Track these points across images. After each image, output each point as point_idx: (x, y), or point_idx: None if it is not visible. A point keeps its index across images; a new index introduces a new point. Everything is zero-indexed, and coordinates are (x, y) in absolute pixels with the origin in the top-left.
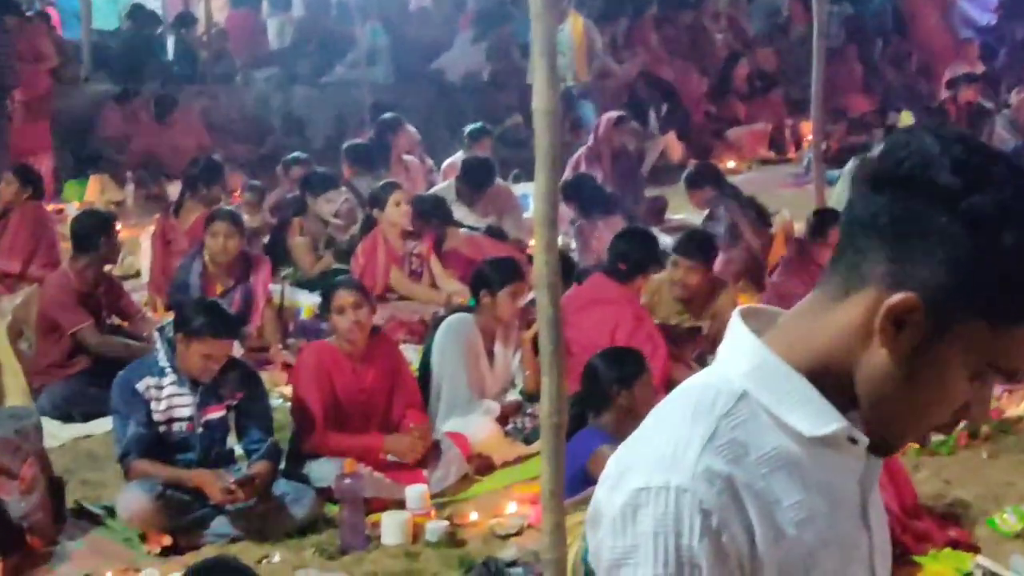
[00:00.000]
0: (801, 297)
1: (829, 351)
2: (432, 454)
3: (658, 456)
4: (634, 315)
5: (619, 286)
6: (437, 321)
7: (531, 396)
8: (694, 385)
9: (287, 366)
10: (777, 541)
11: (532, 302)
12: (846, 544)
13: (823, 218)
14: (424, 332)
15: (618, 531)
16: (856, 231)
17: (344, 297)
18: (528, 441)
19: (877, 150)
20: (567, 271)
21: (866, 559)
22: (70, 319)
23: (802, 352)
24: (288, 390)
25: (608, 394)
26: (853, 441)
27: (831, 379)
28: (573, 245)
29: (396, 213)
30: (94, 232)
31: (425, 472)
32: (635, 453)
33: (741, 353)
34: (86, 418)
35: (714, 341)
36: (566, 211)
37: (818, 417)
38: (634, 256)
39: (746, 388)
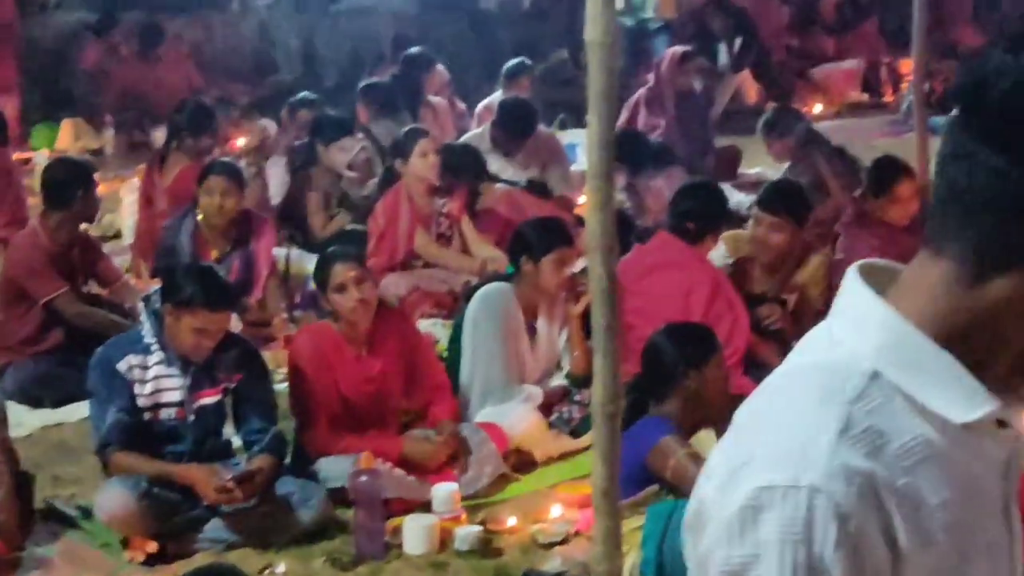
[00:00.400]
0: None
1: (972, 318)
2: (463, 448)
3: (782, 449)
4: (711, 280)
5: (689, 247)
6: (469, 292)
7: (580, 381)
8: (814, 364)
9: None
10: (924, 549)
11: (583, 271)
12: (993, 550)
13: (885, 171)
14: (454, 306)
15: (734, 537)
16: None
17: (343, 272)
18: (576, 434)
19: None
20: (624, 233)
21: (1007, 566)
22: (42, 286)
23: (939, 319)
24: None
25: (674, 377)
26: (1003, 425)
27: (971, 352)
28: (627, 205)
29: (422, 165)
30: (69, 184)
31: (455, 470)
32: (751, 445)
33: (868, 323)
34: (58, 403)
35: (801, 318)
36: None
37: (968, 399)
38: (703, 213)
39: (877, 367)
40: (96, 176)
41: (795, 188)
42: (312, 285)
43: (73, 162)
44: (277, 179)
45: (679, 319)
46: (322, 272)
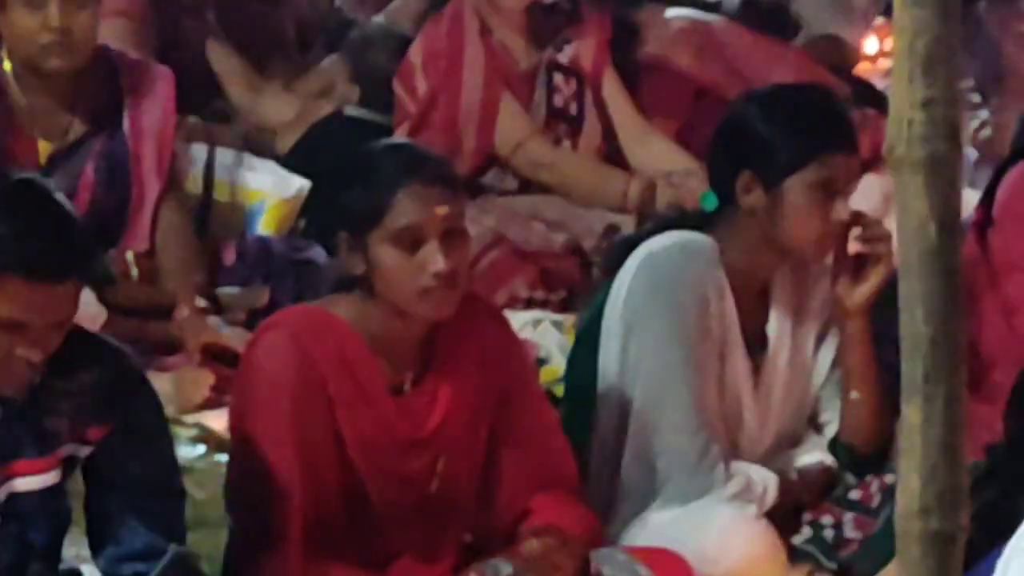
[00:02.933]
0: None
1: None
2: None
3: None
4: None
5: None
6: (617, 251)
7: (863, 457)
8: None
9: (216, 358)
10: None
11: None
12: None
13: None
14: (580, 282)
15: None
16: None
17: (427, 202)
18: (849, 573)
19: None
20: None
21: None
22: None
23: None
24: (219, 420)
25: None
26: None
27: None
28: None
29: None
30: None
31: None
32: None
33: None
34: None
35: None
36: None
37: None
38: None
39: None
40: None
41: None
42: (260, 225)
43: None
44: None
45: None
46: (364, 191)
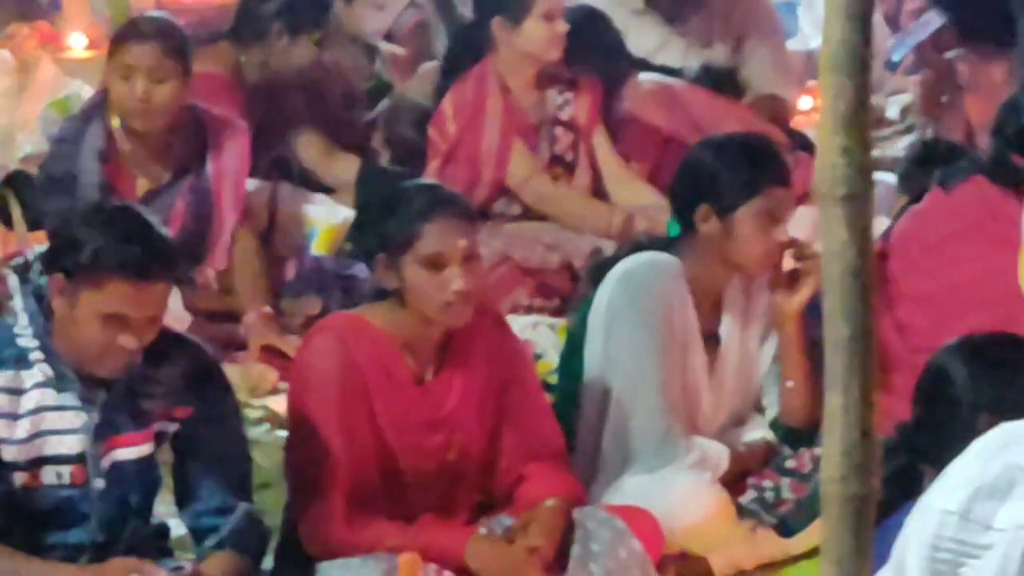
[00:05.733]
0: None
1: None
2: (582, 549)
3: None
4: None
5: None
6: (601, 269)
7: (797, 434)
8: None
9: (278, 355)
10: None
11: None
12: None
13: None
14: (571, 292)
15: None
16: None
17: (449, 234)
18: (787, 529)
19: None
20: (915, 169)
21: None
22: None
23: None
24: (279, 404)
25: (972, 427)
26: None
27: None
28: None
29: (543, 34)
30: None
31: None
32: None
33: None
34: None
35: None
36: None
37: None
38: None
39: None
40: None
41: None
42: (314, 247)
43: None
44: None
45: (994, 326)
46: (399, 222)
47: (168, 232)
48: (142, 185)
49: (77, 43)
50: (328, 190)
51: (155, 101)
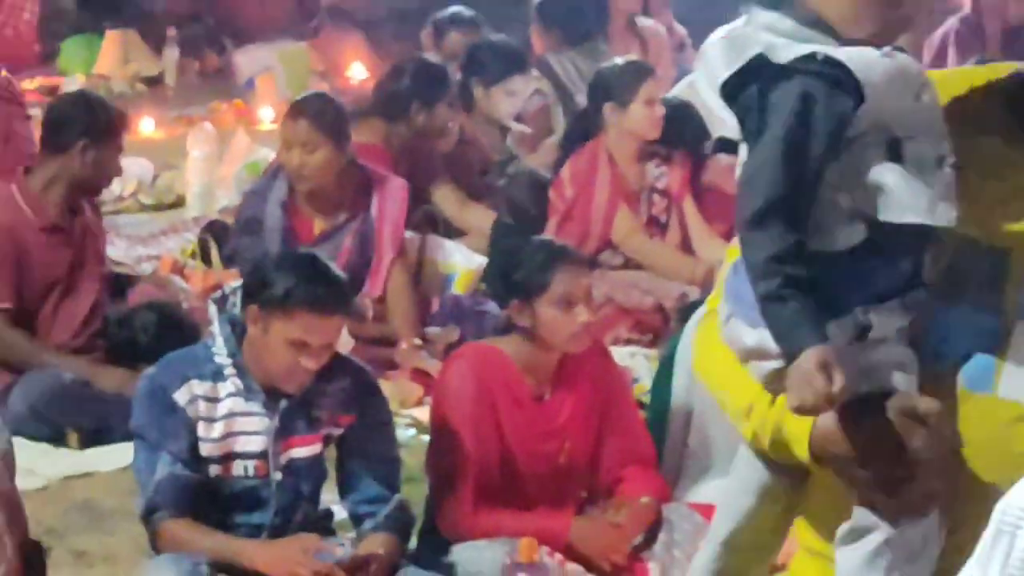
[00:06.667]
0: None
1: None
2: (667, 537)
3: None
4: None
5: None
6: (687, 309)
7: None
8: None
9: (422, 374)
10: None
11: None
12: None
13: None
14: (663, 329)
15: None
16: None
17: (576, 280)
18: None
19: None
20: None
21: None
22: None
23: None
24: (424, 414)
25: None
26: None
27: None
28: None
29: (646, 117)
30: (73, 123)
31: (652, 564)
32: None
33: None
34: (88, 440)
35: None
36: None
37: None
38: None
39: None
40: (143, 118)
41: None
42: (454, 287)
43: (84, 96)
44: None
45: None
46: (531, 271)
47: (343, 275)
48: (318, 226)
49: (266, 116)
50: (461, 233)
51: (309, 167)
